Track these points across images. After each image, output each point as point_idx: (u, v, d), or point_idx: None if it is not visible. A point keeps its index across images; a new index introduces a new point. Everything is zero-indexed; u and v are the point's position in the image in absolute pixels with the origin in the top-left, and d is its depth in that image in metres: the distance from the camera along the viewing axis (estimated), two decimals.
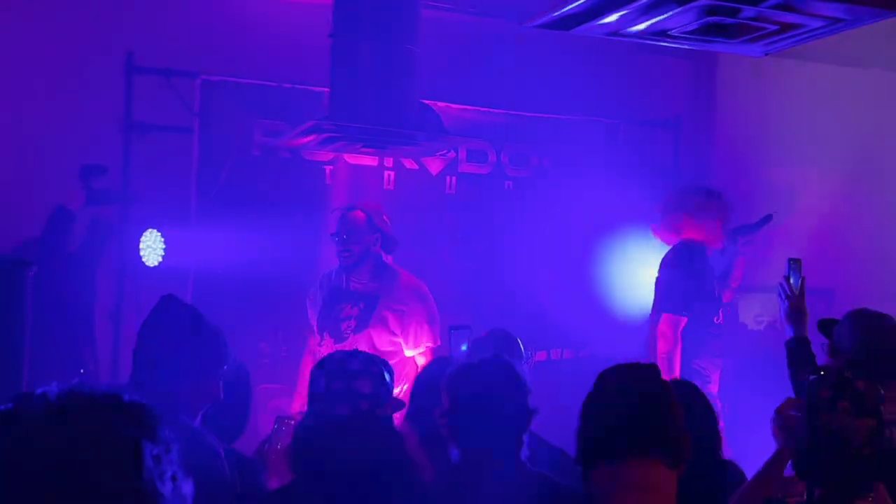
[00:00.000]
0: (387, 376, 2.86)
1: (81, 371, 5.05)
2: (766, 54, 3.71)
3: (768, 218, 5.81)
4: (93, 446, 1.19)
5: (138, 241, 5.34)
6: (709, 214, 5.26)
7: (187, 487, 1.26)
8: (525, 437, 2.83)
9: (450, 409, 2.85)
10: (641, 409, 2.17)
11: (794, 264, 3.78)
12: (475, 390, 2.82)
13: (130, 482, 1.19)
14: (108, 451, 1.19)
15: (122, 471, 1.19)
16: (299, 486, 2.74)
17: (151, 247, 5.36)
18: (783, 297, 3.75)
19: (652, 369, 2.27)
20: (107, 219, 5.36)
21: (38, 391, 1.23)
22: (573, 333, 6.23)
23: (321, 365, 2.90)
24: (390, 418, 2.92)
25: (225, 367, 2.99)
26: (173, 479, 1.24)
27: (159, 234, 5.37)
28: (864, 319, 3.54)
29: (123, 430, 1.21)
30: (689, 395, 2.95)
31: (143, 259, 5.34)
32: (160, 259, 5.36)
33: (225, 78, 5.56)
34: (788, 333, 3.72)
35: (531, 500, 2.69)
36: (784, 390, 3.39)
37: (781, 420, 2.85)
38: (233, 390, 3.18)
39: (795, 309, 3.71)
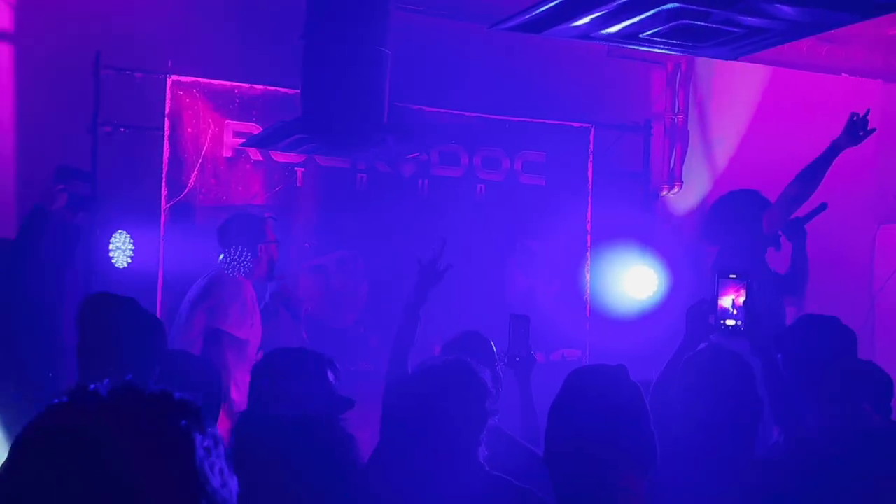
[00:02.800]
0: (331, 376, 2.82)
1: (50, 374, 5.00)
2: (737, 58, 3.74)
3: (823, 207, 5.48)
4: (144, 437, 1.20)
5: (107, 243, 5.30)
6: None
7: (233, 484, 1.28)
8: (482, 438, 2.83)
9: (408, 409, 2.86)
10: (610, 414, 2.17)
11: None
12: (431, 391, 2.83)
13: (182, 471, 1.21)
14: (160, 442, 1.21)
15: (175, 461, 1.21)
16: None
17: (120, 248, 5.32)
18: None
19: (621, 371, 2.27)
20: (77, 222, 5.30)
21: (92, 386, 1.25)
22: (546, 336, 6.24)
23: (263, 364, 2.85)
24: (333, 419, 2.83)
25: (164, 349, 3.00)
26: (221, 472, 1.25)
27: (128, 235, 5.33)
28: (813, 324, 3.51)
29: (175, 422, 1.23)
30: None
31: (113, 261, 5.30)
32: (129, 261, 5.32)
33: (196, 78, 5.52)
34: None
35: (486, 501, 2.69)
36: None
37: (693, 314, 3.36)
38: (203, 389, 3.15)
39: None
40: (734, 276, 3.37)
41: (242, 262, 4.92)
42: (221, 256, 5.03)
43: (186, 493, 1.20)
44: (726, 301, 3.34)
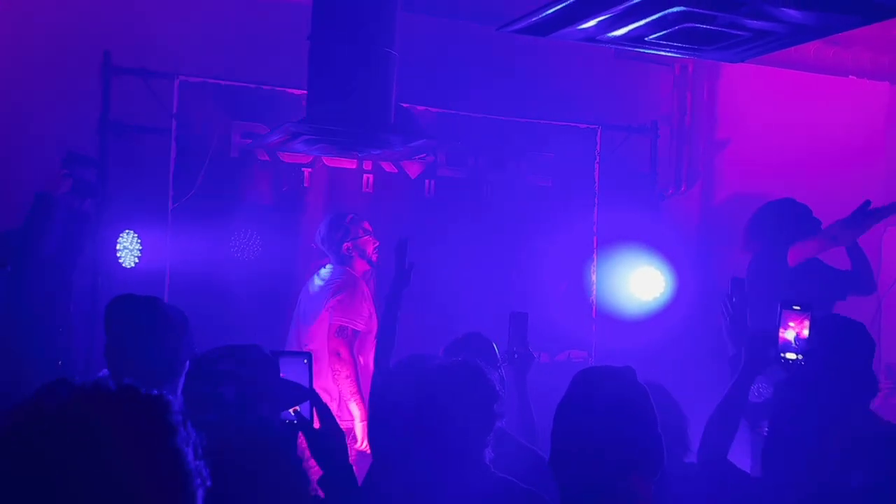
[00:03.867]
0: (262, 376, 2.75)
1: (59, 363, 5.01)
2: (743, 60, 3.74)
3: (867, 205, 5.21)
4: (109, 436, 1.21)
5: (115, 243, 5.32)
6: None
7: (199, 483, 1.27)
8: (489, 440, 2.84)
9: (417, 409, 2.86)
10: (617, 415, 2.17)
11: (738, 284, 3.55)
12: (441, 393, 2.84)
13: (146, 472, 1.21)
14: (113, 439, 1.21)
15: (138, 461, 1.21)
16: None
17: (128, 248, 5.35)
18: (724, 314, 3.65)
19: (629, 373, 2.27)
20: (85, 209, 5.27)
21: (61, 383, 1.26)
22: (551, 337, 6.24)
23: (195, 365, 2.80)
24: (267, 421, 2.74)
25: (191, 344, 3.00)
26: (178, 472, 1.25)
27: (136, 235, 5.35)
28: (834, 324, 3.49)
29: (126, 419, 1.23)
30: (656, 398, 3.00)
31: (120, 260, 5.32)
32: (136, 260, 5.34)
33: (203, 79, 5.54)
34: (730, 351, 3.57)
35: (492, 503, 2.70)
36: None
37: (753, 345, 3.20)
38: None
39: (737, 325, 3.52)
40: (798, 307, 3.20)
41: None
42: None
43: (132, 488, 1.20)
44: (789, 334, 3.19)
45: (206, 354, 2.83)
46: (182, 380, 2.98)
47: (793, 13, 3.04)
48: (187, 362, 3.01)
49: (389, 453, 3.14)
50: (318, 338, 5.28)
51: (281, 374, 2.85)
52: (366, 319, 5.34)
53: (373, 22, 4.37)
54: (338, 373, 5.20)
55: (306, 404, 2.84)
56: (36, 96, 5.52)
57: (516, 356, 4.04)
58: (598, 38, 3.37)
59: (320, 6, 4.45)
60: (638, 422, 2.18)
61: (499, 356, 3.95)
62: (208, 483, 1.29)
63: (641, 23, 3.14)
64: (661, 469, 2.17)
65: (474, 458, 2.78)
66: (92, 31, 5.49)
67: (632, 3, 2.95)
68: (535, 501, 2.74)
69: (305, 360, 2.92)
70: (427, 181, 6.11)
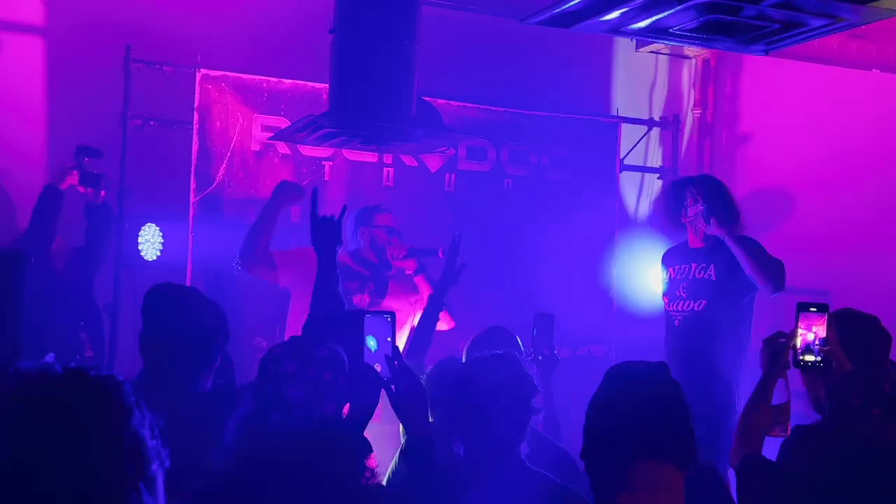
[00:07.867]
0: (328, 375, 2.72)
1: (90, 354, 5.05)
2: (768, 53, 3.72)
3: None
4: (60, 418, 1.21)
5: (136, 235, 5.34)
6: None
7: (155, 467, 1.27)
8: (525, 435, 2.84)
9: (458, 403, 2.86)
10: (652, 410, 2.16)
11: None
12: (484, 386, 2.83)
13: (100, 453, 1.21)
14: (76, 424, 1.21)
15: (92, 442, 1.21)
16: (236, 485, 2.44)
17: (150, 241, 5.37)
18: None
19: (662, 369, 2.26)
20: (103, 202, 5.26)
21: (7, 368, 1.26)
22: (571, 332, 6.22)
23: (264, 361, 2.78)
24: (333, 419, 2.71)
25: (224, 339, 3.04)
26: (144, 453, 1.25)
27: (158, 228, 5.37)
28: (844, 319, 3.38)
29: (92, 403, 1.23)
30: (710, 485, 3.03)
31: (142, 253, 5.35)
32: (158, 253, 5.36)
33: (225, 72, 5.55)
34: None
35: (529, 498, 2.69)
36: None
37: (770, 348, 3.08)
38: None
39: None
40: (814, 308, 3.12)
41: None
42: None
43: (88, 471, 1.20)
44: (808, 336, 3.09)
45: (269, 354, 2.81)
46: (212, 371, 3.02)
47: (820, 4, 3.02)
48: (219, 355, 3.05)
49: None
50: None
51: (366, 332, 2.86)
52: None
53: (395, 15, 4.37)
54: None
55: (384, 365, 2.82)
56: (58, 90, 5.55)
57: (541, 358, 3.97)
58: (621, 29, 3.36)
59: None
60: (671, 417, 2.17)
61: (524, 350, 3.94)
62: (167, 464, 1.29)
63: (666, 13, 3.13)
64: (693, 462, 2.17)
65: (511, 453, 2.78)
66: (113, 24, 5.51)
67: None
68: (571, 497, 2.74)
69: (388, 318, 2.93)
70: (448, 175, 6.10)
